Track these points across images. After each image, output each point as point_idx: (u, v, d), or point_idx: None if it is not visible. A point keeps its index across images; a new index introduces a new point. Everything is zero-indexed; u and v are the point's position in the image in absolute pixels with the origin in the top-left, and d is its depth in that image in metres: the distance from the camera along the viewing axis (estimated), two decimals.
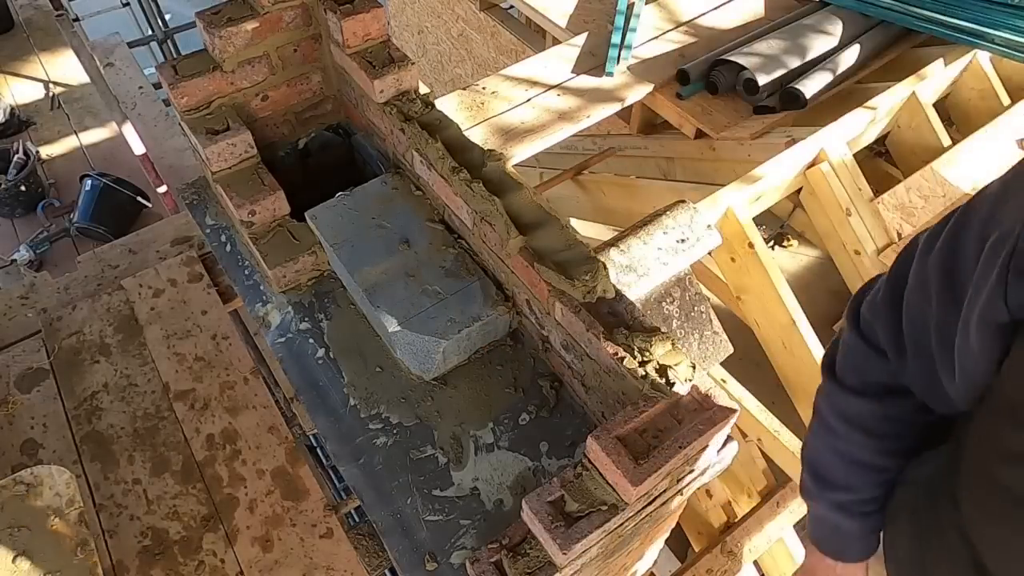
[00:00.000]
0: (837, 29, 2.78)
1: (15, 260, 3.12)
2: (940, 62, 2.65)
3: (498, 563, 1.05)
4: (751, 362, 2.64)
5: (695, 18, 3.00)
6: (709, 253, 1.84)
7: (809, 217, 2.57)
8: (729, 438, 1.16)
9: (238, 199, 1.55)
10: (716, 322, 1.79)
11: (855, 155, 2.49)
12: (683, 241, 1.72)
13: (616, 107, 2.66)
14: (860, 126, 2.49)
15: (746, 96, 2.71)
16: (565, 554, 0.98)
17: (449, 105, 2.59)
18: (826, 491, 1.08)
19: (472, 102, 2.60)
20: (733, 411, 1.06)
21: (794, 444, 2.12)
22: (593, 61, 2.77)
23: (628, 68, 2.76)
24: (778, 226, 5.55)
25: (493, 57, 3.85)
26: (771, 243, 5.62)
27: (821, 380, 1.05)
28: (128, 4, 5.33)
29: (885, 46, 2.84)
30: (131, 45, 4.45)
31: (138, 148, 3.76)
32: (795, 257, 5.59)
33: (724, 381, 2.20)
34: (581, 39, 2.85)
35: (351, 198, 1.61)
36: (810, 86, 2.58)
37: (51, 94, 3.80)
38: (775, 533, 2.25)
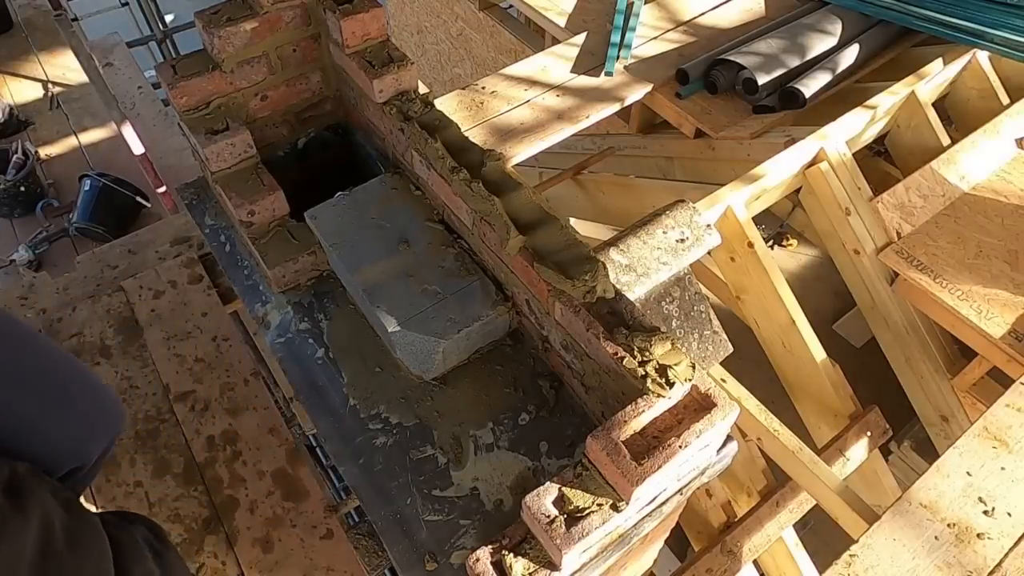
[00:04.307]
0: (836, 28, 2.78)
1: (14, 260, 3.11)
2: (939, 61, 2.65)
3: (498, 563, 1.05)
4: (751, 362, 2.63)
5: (694, 18, 3.00)
6: (709, 253, 1.84)
7: (808, 216, 2.57)
8: (729, 438, 1.16)
9: (237, 199, 1.55)
10: (716, 321, 1.79)
11: (854, 154, 2.49)
12: (683, 241, 1.72)
13: (615, 107, 2.66)
14: (859, 125, 2.49)
15: (745, 96, 2.71)
16: (565, 554, 0.98)
17: (448, 105, 2.58)
18: None
19: (471, 102, 2.60)
20: (733, 411, 1.06)
21: (794, 444, 2.11)
22: (592, 61, 2.77)
23: (627, 68, 2.76)
24: (778, 226, 5.56)
25: (492, 57, 3.85)
26: (771, 243, 5.62)
27: None
28: (127, 4, 5.32)
29: (884, 45, 2.84)
30: (130, 45, 4.44)
31: (137, 148, 3.76)
32: (795, 257, 5.60)
33: (724, 381, 2.20)
34: (580, 39, 2.85)
35: (351, 198, 1.61)
36: (810, 85, 2.58)
37: (50, 94, 3.80)
38: (775, 532, 2.25)
